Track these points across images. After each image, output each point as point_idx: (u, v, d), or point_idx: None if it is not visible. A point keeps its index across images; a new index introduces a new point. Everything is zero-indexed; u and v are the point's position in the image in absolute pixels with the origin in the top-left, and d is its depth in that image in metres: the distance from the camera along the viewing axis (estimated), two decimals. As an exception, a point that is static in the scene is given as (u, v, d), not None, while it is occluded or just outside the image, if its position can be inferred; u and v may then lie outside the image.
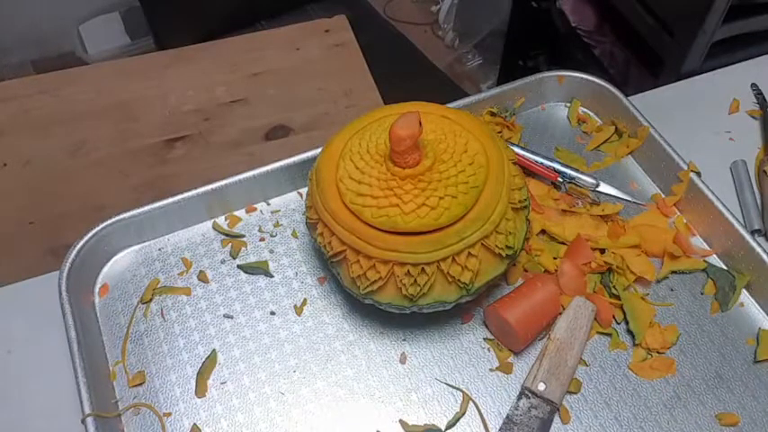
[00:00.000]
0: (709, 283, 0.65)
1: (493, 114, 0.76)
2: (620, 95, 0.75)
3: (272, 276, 0.67)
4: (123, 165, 0.89)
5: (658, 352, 0.61)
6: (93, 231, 0.65)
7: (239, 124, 0.94)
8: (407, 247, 0.54)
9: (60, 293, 0.61)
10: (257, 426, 0.58)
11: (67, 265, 0.63)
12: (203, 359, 0.61)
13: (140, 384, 0.60)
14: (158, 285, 0.66)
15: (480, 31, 1.87)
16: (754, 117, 0.80)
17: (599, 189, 0.71)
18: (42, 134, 0.92)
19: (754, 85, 0.83)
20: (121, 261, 0.68)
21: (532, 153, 0.72)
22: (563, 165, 0.72)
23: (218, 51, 1.03)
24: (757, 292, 0.64)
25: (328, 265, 0.60)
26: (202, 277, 0.66)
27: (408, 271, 0.54)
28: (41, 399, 0.61)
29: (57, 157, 0.89)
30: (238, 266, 0.67)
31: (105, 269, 0.67)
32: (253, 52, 1.02)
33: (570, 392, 0.59)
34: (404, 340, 0.62)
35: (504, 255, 0.56)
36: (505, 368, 0.60)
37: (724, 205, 0.65)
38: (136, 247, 0.69)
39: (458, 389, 0.59)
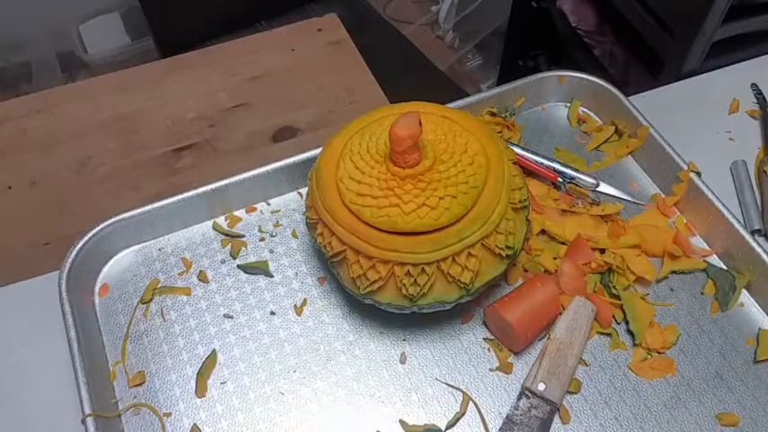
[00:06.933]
0: (709, 283, 0.65)
1: (493, 114, 0.76)
2: (620, 95, 0.75)
3: (272, 276, 0.67)
4: (132, 178, 0.88)
5: (658, 352, 0.61)
6: (94, 231, 0.65)
7: (245, 128, 0.93)
8: (407, 247, 0.54)
9: (60, 293, 0.61)
10: (257, 426, 0.58)
11: (67, 265, 0.63)
12: (203, 359, 0.61)
13: (140, 384, 0.60)
14: (158, 285, 0.66)
15: (480, 31, 1.87)
16: (754, 117, 0.80)
17: (599, 189, 0.71)
18: (44, 153, 0.91)
19: (754, 85, 0.83)
20: (121, 261, 0.68)
21: (532, 153, 0.72)
22: (563, 165, 0.72)
23: (214, 57, 1.02)
24: (757, 292, 0.64)
25: (328, 265, 0.60)
26: (202, 277, 0.66)
27: (408, 271, 0.54)
28: (41, 399, 0.61)
29: (63, 176, 0.89)
30: (238, 266, 0.67)
31: (105, 269, 0.67)
32: (248, 56, 1.02)
33: (570, 392, 0.59)
34: (404, 340, 0.62)
35: (504, 255, 0.56)
36: (505, 368, 0.60)
37: (724, 205, 0.65)
38: (136, 247, 0.69)
39: (458, 389, 0.59)
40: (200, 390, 0.59)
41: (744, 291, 0.64)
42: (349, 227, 0.55)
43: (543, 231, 0.68)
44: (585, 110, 0.79)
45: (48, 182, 0.88)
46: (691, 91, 0.83)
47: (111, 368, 0.61)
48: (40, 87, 1.04)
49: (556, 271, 0.64)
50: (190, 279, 0.67)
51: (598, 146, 0.76)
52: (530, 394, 0.57)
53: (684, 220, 0.69)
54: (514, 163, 0.60)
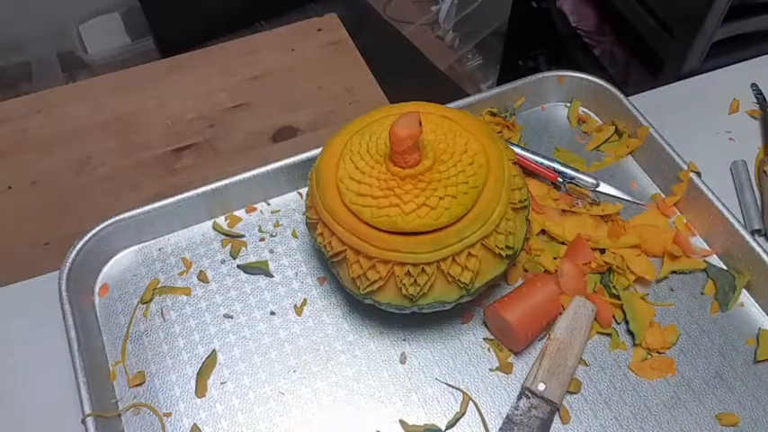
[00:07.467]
0: (709, 283, 0.65)
1: (493, 114, 0.76)
2: (620, 95, 0.75)
3: (272, 276, 0.67)
4: (132, 178, 0.89)
5: (658, 352, 0.61)
6: (94, 231, 0.65)
7: (245, 128, 0.94)
8: (407, 247, 0.54)
9: (60, 293, 0.61)
10: (257, 426, 0.58)
11: (67, 265, 0.63)
12: (203, 359, 0.61)
13: (140, 384, 0.60)
14: (158, 285, 0.66)
15: (480, 31, 1.87)
16: (754, 117, 0.80)
17: (599, 189, 0.71)
18: (44, 153, 0.91)
19: (754, 85, 0.83)
20: (121, 261, 0.68)
21: (532, 153, 0.72)
22: (563, 165, 0.72)
23: (214, 57, 1.02)
24: (757, 292, 0.64)
25: (328, 265, 0.60)
26: (202, 277, 0.66)
27: (408, 271, 0.54)
28: (41, 399, 0.61)
29: (63, 176, 0.89)
30: (238, 266, 0.67)
31: (105, 269, 0.67)
32: (248, 56, 1.02)
33: (570, 392, 0.59)
34: (404, 340, 0.62)
35: (504, 255, 0.56)
36: (505, 368, 0.60)
37: (724, 205, 0.65)
38: (136, 247, 0.69)
39: (458, 389, 0.59)
40: (200, 390, 0.59)
41: (744, 291, 0.64)
42: (349, 227, 0.55)
43: (543, 231, 0.68)
44: (585, 110, 0.79)
45: (48, 182, 0.88)
46: (691, 91, 0.83)
47: (111, 368, 0.61)
48: (40, 87, 1.04)
49: (556, 271, 0.64)
50: (190, 279, 0.67)
51: (598, 146, 0.76)
52: (530, 394, 0.57)
53: (684, 220, 0.69)
54: (514, 163, 0.60)
